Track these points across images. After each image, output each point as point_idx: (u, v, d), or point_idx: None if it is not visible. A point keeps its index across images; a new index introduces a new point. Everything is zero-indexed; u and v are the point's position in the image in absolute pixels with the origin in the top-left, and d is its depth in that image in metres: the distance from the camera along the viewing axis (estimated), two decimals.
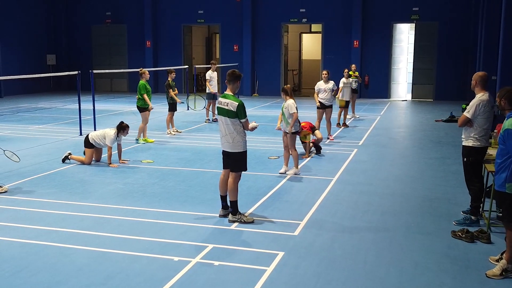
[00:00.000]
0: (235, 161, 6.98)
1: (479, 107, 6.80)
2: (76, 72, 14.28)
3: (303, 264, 5.69)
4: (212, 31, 31.65)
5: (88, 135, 10.52)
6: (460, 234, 6.45)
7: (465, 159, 7.07)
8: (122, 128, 10.35)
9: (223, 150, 7.13)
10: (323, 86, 13.39)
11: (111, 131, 10.31)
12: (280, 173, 9.75)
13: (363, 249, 6.15)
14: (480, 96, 6.88)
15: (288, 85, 10.28)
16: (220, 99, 6.98)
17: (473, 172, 7.04)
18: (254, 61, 26.64)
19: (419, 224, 7.07)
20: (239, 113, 6.82)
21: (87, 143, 10.39)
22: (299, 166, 9.86)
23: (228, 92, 6.98)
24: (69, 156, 10.56)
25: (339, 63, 23.68)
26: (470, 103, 6.96)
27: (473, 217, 7.01)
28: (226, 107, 6.85)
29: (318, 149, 11.67)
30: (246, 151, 7.04)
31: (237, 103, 6.79)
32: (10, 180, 9.09)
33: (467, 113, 6.86)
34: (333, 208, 7.72)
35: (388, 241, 6.41)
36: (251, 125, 7.03)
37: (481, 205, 7.25)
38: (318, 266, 5.64)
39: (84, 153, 10.55)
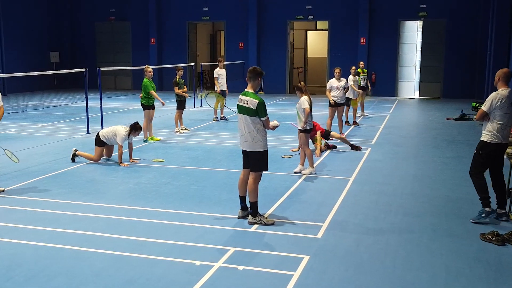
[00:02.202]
0: (255, 161, 6.73)
1: (495, 101, 6.70)
2: (83, 70, 14.01)
3: (330, 268, 5.45)
4: (217, 28, 31.42)
5: (98, 133, 10.28)
6: (490, 237, 6.21)
7: (475, 151, 6.98)
8: (135, 129, 10.12)
9: (242, 150, 6.89)
10: (335, 84, 13.16)
11: (123, 129, 10.07)
12: (295, 172, 9.52)
13: (390, 252, 5.91)
14: (500, 91, 6.79)
15: (302, 82, 10.04)
16: (240, 96, 6.73)
17: (481, 167, 6.90)
18: (259, 59, 26.36)
19: (444, 225, 6.82)
20: (260, 111, 6.56)
21: (98, 141, 10.15)
22: (314, 165, 9.64)
23: (248, 89, 6.72)
24: (76, 153, 10.33)
25: (345, 61, 23.41)
26: (488, 97, 6.87)
27: (487, 209, 6.85)
28: (246, 105, 6.60)
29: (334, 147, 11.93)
30: (266, 150, 6.76)
31: (257, 101, 6.54)
32: (18, 180, 8.86)
33: (484, 106, 6.82)
34: (354, 209, 7.48)
35: (416, 244, 6.16)
36: (272, 123, 6.77)
37: (507, 200, 7.06)
38: (345, 271, 5.40)
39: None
